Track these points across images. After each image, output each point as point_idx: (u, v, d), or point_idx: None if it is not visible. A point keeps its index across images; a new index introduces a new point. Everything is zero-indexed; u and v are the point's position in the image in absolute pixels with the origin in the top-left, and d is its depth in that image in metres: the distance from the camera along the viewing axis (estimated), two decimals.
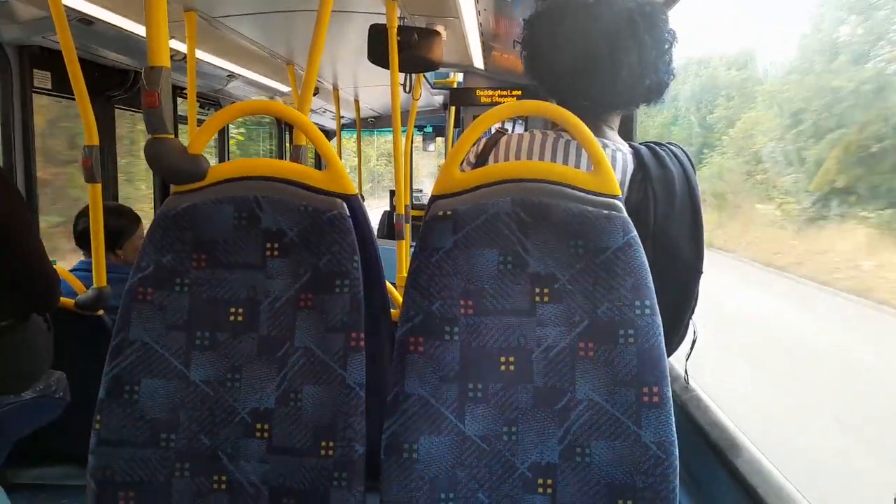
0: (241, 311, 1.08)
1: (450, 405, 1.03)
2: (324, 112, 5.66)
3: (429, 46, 2.53)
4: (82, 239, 2.37)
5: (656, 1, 1.26)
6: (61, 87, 2.64)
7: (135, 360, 1.06)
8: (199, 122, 3.21)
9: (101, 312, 2.09)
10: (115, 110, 3.23)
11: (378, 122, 6.64)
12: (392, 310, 1.30)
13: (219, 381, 1.07)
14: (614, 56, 1.18)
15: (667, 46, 1.22)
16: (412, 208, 4.06)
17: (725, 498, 1.28)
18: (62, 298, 1.90)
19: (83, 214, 2.36)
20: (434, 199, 1.08)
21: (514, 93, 4.11)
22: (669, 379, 1.03)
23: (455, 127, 4.60)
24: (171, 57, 2.80)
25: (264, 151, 6.24)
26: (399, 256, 2.49)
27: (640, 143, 1.27)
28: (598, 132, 1.26)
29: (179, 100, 3.56)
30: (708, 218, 1.28)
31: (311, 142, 1.15)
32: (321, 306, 1.07)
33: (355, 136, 5.92)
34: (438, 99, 5.39)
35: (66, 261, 2.83)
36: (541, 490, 1.02)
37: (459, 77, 4.64)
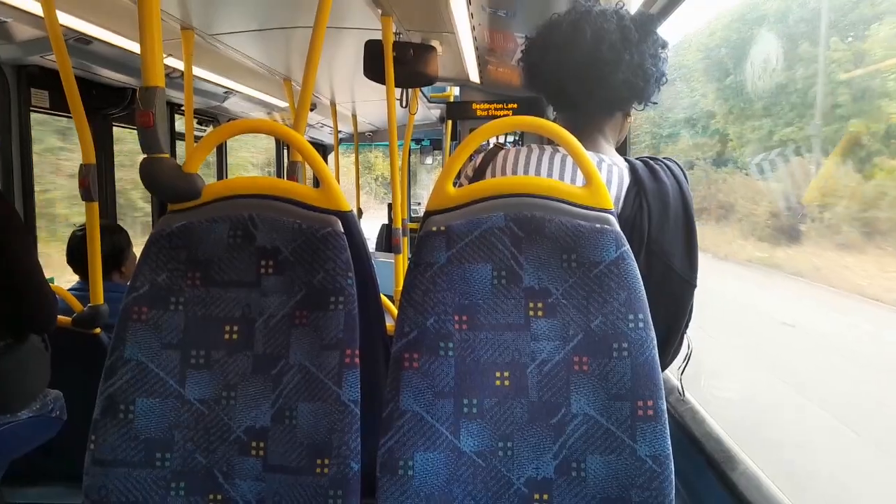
0: (235, 329, 1.09)
1: (445, 421, 1.03)
2: (322, 127, 5.69)
3: (425, 61, 2.56)
4: (75, 259, 2.36)
5: (648, 12, 1.29)
6: (59, 105, 2.66)
7: (129, 380, 1.06)
8: (197, 138, 3.22)
9: (98, 331, 2.09)
10: (112, 128, 3.25)
11: (375, 137, 6.68)
12: (388, 323, 1.30)
13: (214, 400, 1.07)
14: (608, 60, 1.21)
15: (649, 46, 1.26)
16: (410, 221, 4.07)
17: None
18: (60, 317, 1.90)
19: (77, 233, 2.35)
20: (428, 214, 1.09)
21: (509, 106, 4.13)
22: (664, 392, 1.03)
23: (452, 140, 4.62)
24: (169, 74, 2.82)
25: None
26: (396, 270, 2.50)
27: (637, 158, 1.28)
28: (595, 145, 1.28)
29: (177, 116, 3.58)
30: None
31: (305, 159, 1.16)
32: (316, 323, 1.07)
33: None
34: (435, 112, 5.42)
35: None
36: None
37: (456, 91, 4.67)
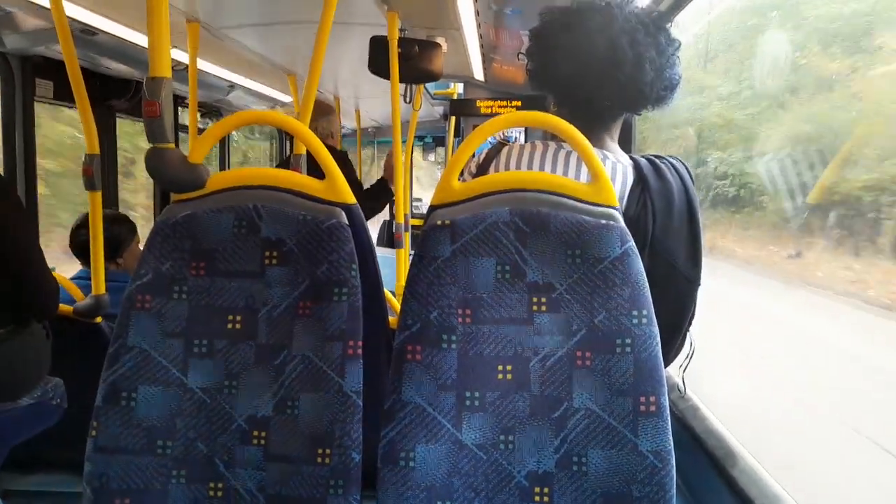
0: (239, 318, 1.09)
1: (447, 413, 1.03)
2: None
3: (429, 58, 2.55)
4: (79, 248, 2.37)
5: (660, 9, 1.28)
6: (63, 96, 2.66)
7: (132, 367, 1.06)
8: (200, 131, 3.22)
9: (99, 320, 2.09)
10: (116, 119, 3.25)
11: (379, 133, 6.67)
12: (390, 317, 1.30)
13: (216, 389, 1.07)
14: (622, 61, 1.18)
15: (672, 50, 1.23)
16: (411, 217, 4.07)
17: None
18: (61, 305, 1.90)
19: (80, 225, 2.36)
20: (433, 208, 1.09)
21: (513, 103, 4.12)
22: (666, 388, 1.03)
23: (455, 137, 4.61)
24: (173, 67, 2.82)
25: None
26: (398, 265, 2.50)
27: (641, 156, 1.27)
28: (601, 142, 1.27)
29: (180, 109, 3.58)
30: None
31: (310, 151, 1.16)
32: (319, 314, 1.07)
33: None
34: (439, 110, 5.41)
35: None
36: (537, 499, 1.02)
37: (460, 88, 4.66)
